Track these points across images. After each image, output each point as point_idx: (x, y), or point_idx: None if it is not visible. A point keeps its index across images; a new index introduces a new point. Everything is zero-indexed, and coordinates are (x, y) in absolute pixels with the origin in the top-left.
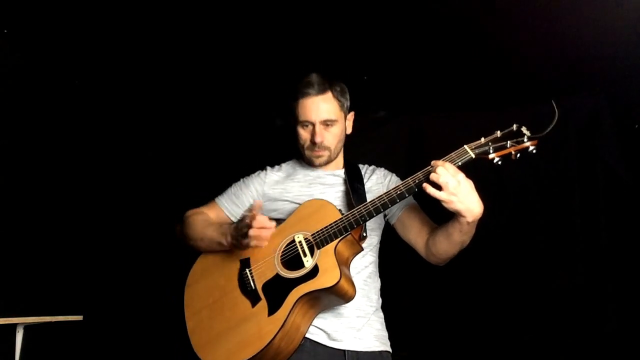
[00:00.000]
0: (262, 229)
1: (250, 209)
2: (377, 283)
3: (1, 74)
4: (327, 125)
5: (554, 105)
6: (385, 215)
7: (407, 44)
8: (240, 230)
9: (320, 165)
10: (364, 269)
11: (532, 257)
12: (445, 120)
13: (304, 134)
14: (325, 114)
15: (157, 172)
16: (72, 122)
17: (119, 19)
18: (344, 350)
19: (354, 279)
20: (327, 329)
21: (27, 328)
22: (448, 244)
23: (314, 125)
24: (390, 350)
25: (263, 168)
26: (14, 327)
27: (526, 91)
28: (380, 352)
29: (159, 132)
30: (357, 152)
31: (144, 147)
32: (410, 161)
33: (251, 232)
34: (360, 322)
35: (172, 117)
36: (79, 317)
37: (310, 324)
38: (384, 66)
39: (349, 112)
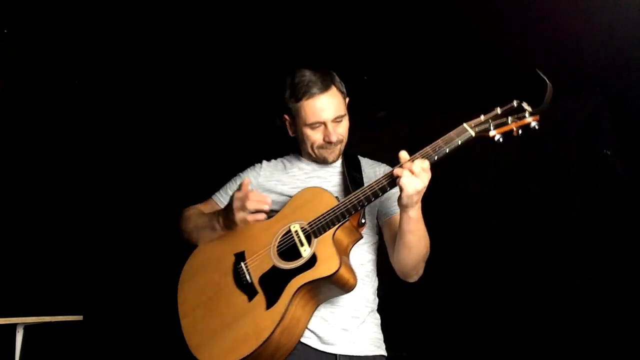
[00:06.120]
0: (260, 201)
1: (239, 188)
2: (375, 283)
3: (1, 74)
4: (338, 121)
5: (541, 74)
6: (377, 215)
7: (407, 44)
8: (231, 207)
9: (334, 161)
10: (361, 266)
11: (532, 257)
12: (445, 121)
13: (313, 134)
14: (335, 111)
15: (157, 173)
16: (72, 122)
17: (119, 19)
18: (335, 355)
19: None
20: (318, 331)
21: (27, 328)
22: (404, 250)
23: (324, 124)
24: (386, 354)
25: (259, 161)
26: (14, 327)
27: (526, 91)
28: (375, 356)
29: (159, 132)
30: (357, 153)
31: (144, 147)
32: None
33: (249, 204)
34: (354, 324)
35: (172, 117)
36: (79, 317)
37: (312, 316)
38: (384, 66)
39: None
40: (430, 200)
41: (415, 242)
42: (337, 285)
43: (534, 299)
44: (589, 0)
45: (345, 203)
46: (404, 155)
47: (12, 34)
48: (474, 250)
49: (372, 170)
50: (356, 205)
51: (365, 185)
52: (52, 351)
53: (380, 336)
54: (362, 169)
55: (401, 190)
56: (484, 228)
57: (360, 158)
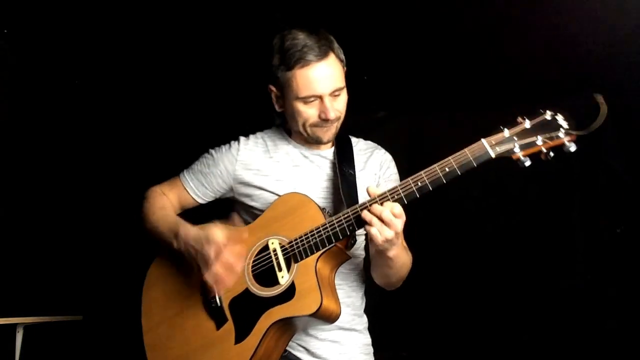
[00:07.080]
0: (230, 268)
1: (221, 224)
2: (363, 286)
3: (1, 74)
4: (336, 95)
5: (600, 99)
6: None
7: (407, 44)
8: (200, 251)
9: (329, 141)
10: (350, 272)
11: (532, 257)
12: (445, 120)
13: (306, 110)
14: (333, 82)
15: (157, 173)
16: (72, 122)
17: (119, 18)
18: None
19: (338, 289)
20: (307, 345)
21: (27, 328)
22: (380, 278)
23: (321, 98)
24: (373, 359)
25: (236, 138)
26: (14, 327)
27: (526, 91)
28: None
29: (159, 132)
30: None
31: (144, 148)
32: (410, 161)
33: (215, 269)
34: (344, 334)
35: (173, 117)
36: (79, 317)
37: (286, 346)
38: (384, 66)
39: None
40: (431, 201)
41: (394, 271)
42: (319, 319)
43: (534, 299)
44: (590, 1)
45: (334, 225)
46: (373, 191)
47: (12, 34)
48: (474, 251)
49: (363, 159)
50: (345, 230)
51: (359, 191)
52: (52, 351)
53: (369, 340)
54: (355, 158)
55: (371, 240)
56: (484, 228)
57: (354, 142)
